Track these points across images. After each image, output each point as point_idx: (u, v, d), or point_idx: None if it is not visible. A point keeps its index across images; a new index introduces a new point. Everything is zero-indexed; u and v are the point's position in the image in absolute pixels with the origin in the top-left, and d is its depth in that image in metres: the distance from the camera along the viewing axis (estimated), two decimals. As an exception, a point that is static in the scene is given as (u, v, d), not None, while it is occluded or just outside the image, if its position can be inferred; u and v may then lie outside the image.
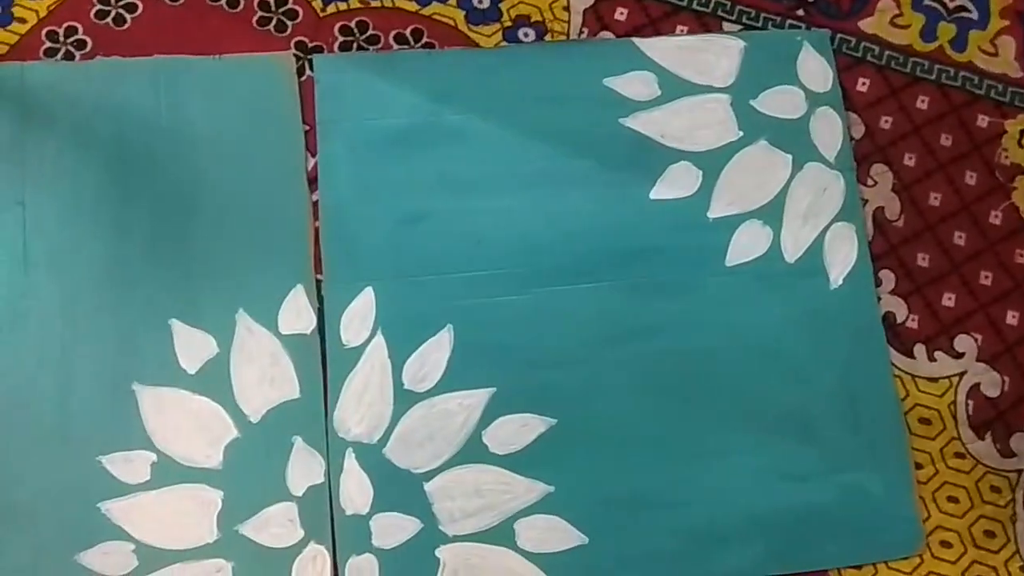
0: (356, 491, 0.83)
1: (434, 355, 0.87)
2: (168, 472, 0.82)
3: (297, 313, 0.87)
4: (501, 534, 0.83)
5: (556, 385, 0.87)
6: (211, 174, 0.89)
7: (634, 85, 0.97)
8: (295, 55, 0.94)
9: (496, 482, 0.84)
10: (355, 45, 0.95)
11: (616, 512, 0.84)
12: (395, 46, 0.96)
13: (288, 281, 0.88)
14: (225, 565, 0.80)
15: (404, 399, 0.85)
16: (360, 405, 0.85)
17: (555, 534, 0.84)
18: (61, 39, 0.92)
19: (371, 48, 0.95)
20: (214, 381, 0.84)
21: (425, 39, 0.96)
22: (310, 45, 0.95)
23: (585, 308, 0.90)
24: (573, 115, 0.95)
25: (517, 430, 0.86)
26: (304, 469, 0.83)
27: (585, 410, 0.87)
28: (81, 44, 0.92)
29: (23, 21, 0.92)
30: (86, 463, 0.81)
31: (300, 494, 0.82)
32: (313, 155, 0.92)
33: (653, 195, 0.94)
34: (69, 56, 0.91)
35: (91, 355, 0.84)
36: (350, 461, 0.83)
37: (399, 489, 0.83)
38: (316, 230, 0.90)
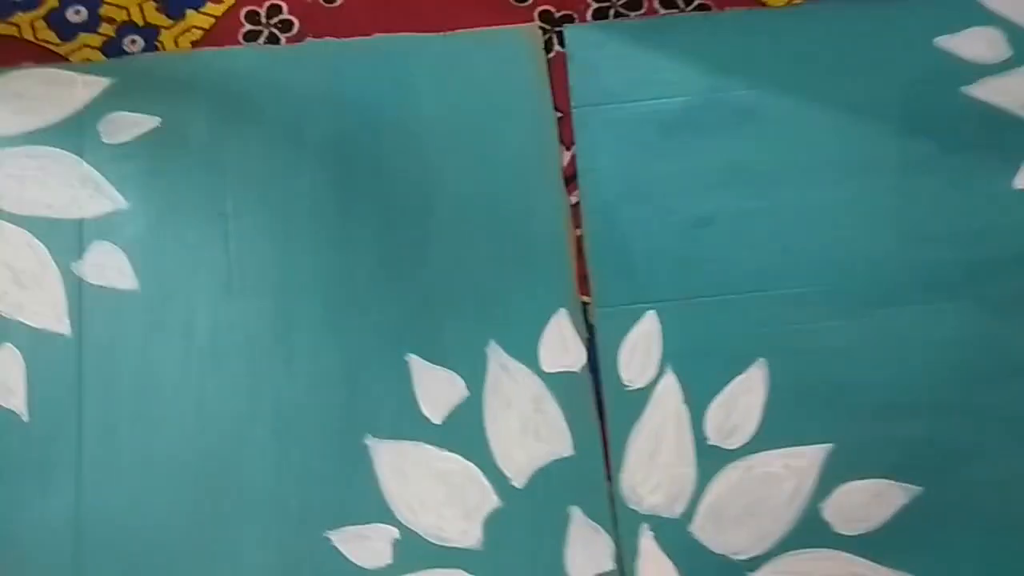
0: (659, 583, 0.62)
1: (744, 399, 0.66)
2: (415, 552, 0.63)
3: (563, 345, 0.68)
4: (863, 648, 0.61)
5: (916, 440, 0.64)
6: (448, 173, 0.72)
7: (976, 45, 0.74)
8: (540, 27, 0.76)
9: (848, 574, 0.62)
10: (612, 12, 0.77)
11: (1026, 621, 0.61)
12: (661, 10, 0.76)
13: (548, 305, 0.69)
14: None
15: (710, 458, 0.65)
16: (653, 466, 0.65)
17: (940, 649, 0.61)
18: (263, 20, 0.77)
19: (632, 14, 0.76)
20: (465, 433, 0.66)
21: (700, -1, 0.77)
22: (557, 15, 0.77)
23: (943, 334, 0.67)
24: (898, 85, 0.73)
25: (869, 502, 0.63)
26: (587, 551, 0.63)
27: (960, 474, 0.64)
28: (287, 25, 0.77)
29: (219, 1, 0.77)
30: (311, 541, 0.64)
31: (585, 585, 0.63)
32: (568, 148, 0.73)
33: (1018, 184, 0.71)
34: (273, 40, 0.76)
35: (313, 400, 0.67)
36: (647, 541, 0.63)
37: (716, 582, 0.62)
38: (578, 240, 0.71)
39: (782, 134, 0.73)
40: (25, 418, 0.67)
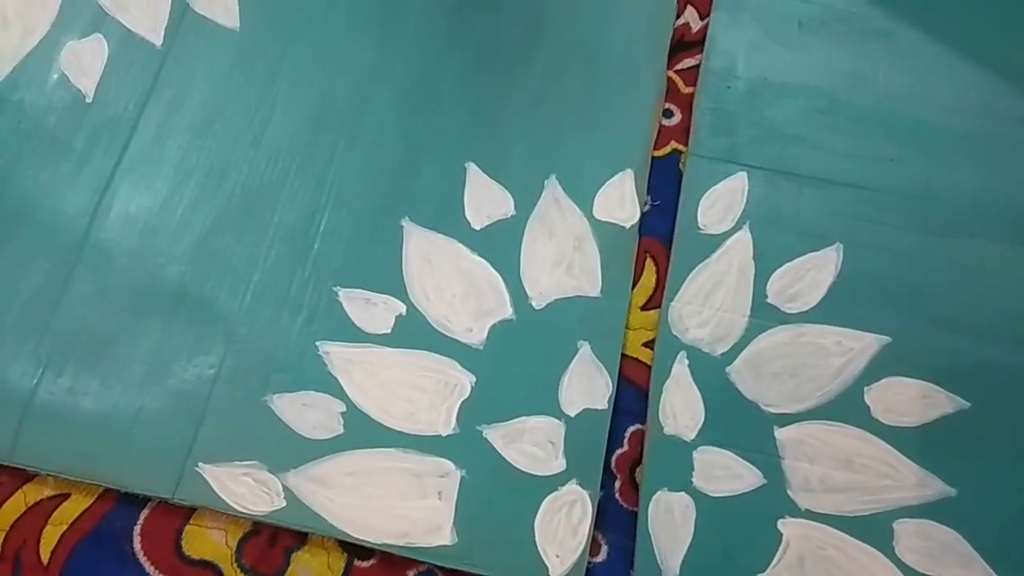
0: (682, 407, 0.57)
1: (813, 274, 0.62)
2: (415, 332, 0.59)
3: (620, 201, 0.65)
4: (872, 529, 0.54)
5: (976, 361, 0.59)
6: (559, 15, 0.72)
7: None
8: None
9: (876, 459, 0.55)
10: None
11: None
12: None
13: (617, 162, 0.67)
14: (454, 472, 0.55)
15: (765, 315, 0.60)
16: (706, 305, 0.60)
17: (951, 556, 0.54)
18: None
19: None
20: (500, 245, 0.63)
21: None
22: None
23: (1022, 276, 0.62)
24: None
25: (914, 401, 0.57)
26: (584, 386, 0.58)
27: (1011, 404, 0.58)
28: None
29: None
30: (317, 289, 0.60)
31: (572, 415, 0.58)
32: (703, 17, 0.72)
33: None
34: None
35: (363, 175, 0.65)
36: (681, 367, 0.58)
37: (741, 424, 0.56)
38: (661, 110, 0.69)
39: (911, 65, 0.71)
40: (88, 99, 0.67)
